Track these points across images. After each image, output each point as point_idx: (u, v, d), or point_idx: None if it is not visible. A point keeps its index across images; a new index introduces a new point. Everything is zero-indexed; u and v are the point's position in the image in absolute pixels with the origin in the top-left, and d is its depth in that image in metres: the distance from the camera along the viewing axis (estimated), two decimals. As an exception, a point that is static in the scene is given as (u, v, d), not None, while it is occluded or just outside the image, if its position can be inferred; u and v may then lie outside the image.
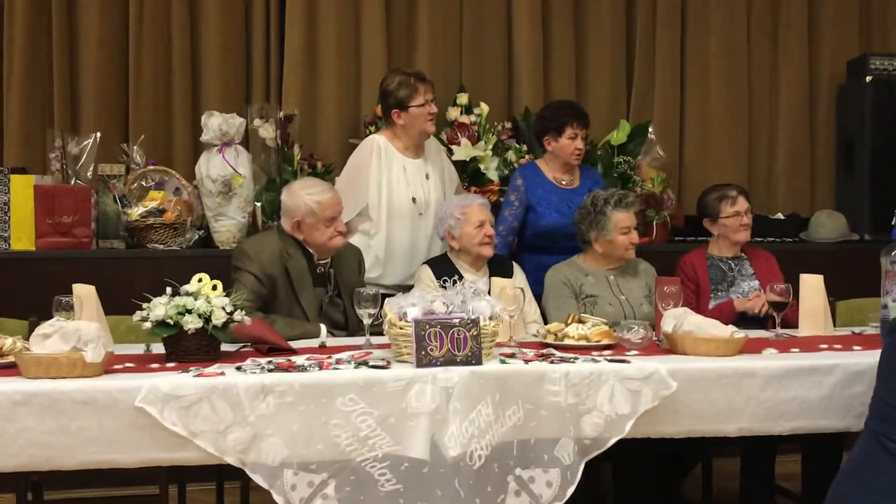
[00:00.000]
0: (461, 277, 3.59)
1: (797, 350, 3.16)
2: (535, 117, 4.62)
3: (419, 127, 4.20)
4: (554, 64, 5.35)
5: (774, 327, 3.50)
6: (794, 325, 3.64)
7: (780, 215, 5.48)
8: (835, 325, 3.75)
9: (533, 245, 4.36)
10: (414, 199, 4.20)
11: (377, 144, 4.22)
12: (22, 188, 4.32)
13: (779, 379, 2.91)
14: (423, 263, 4.03)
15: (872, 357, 2.83)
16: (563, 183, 4.38)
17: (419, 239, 4.23)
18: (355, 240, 4.13)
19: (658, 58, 5.48)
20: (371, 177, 4.18)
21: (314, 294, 3.64)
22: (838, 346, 3.22)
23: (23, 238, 4.33)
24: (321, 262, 3.69)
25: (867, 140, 5.32)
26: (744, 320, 3.86)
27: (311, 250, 3.66)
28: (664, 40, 5.47)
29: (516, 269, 4.09)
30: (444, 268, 3.89)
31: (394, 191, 4.19)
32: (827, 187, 5.69)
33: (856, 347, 3.20)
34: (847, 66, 5.58)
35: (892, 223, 3.41)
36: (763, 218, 5.32)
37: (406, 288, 3.91)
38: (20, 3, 4.73)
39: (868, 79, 5.31)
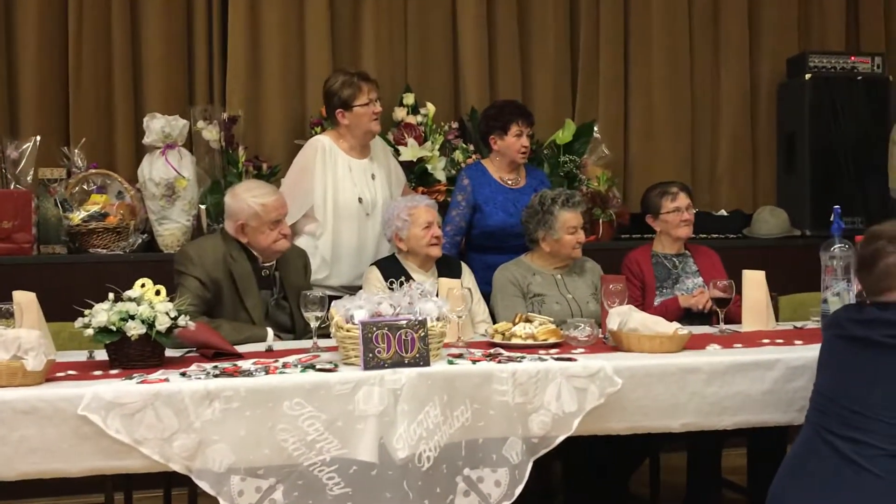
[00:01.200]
0: (409, 278, 3.60)
1: (740, 345, 3.21)
2: (480, 117, 4.63)
3: (364, 126, 4.19)
4: (499, 64, 5.36)
5: (718, 323, 3.55)
6: (738, 321, 3.69)
7: (723, 212, 5.57)
8: (777, 320, 3.81)
9: (480, 245, 4.37)
10: (360, 200, 4.19)
11: (322, 145, 4.20)
12: (-40, 194, 4.24)
13: (722, 374, 2.96)
14: (372, 264, 4.02)
15: (813, 351, 2.89)
16: (509, 182, 4.40)
17: (366, 240, 4.22)
18: (301, 241, 4.11)
19: (602, 58, 5.51)
20: (316, 178, 4.16)
21: (260, 297, 3.61)
22: (780, 341, 3.28)
23: (-39, 244, 4.25)
24: (266, 264, 3.67)
25: (807, 137, 5.41)
26: (688, 317, 3.90)
27: (255, 253, 3.63)
28: (607, 40, 5.51)
29: (465, 269, 4.10)
30: (392, 269, 3.89)
31: (339, 191, 4.17)
32: (769, 184, 5.78)
33: (797, 342, 3.26)
34: (787, 64, 5.67)
35: (831, 219, 3.48)
36: (707, 215, 5.39)
37: (353, 289, 3.89)
38: (-44, 4, 4.64)
39: (807, 76, 5.40)
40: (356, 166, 4.22)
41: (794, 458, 2.73)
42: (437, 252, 3.96)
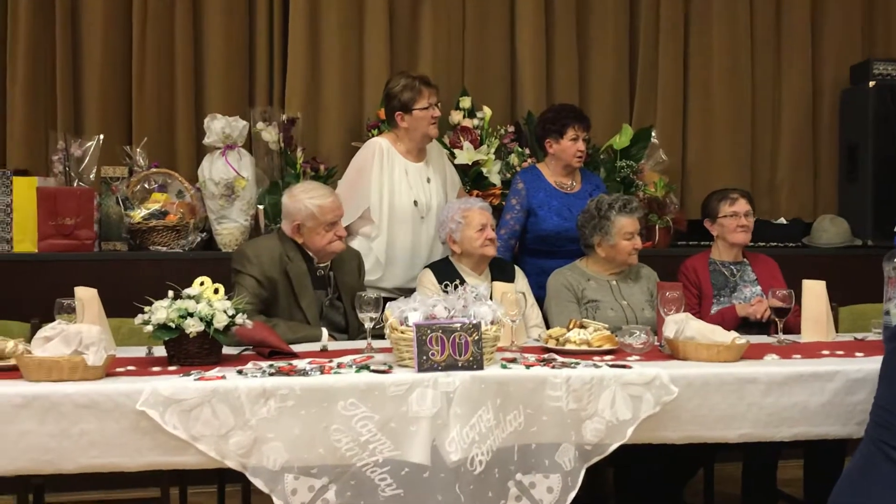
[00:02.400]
0: (463, 281, 3.60)
1: (799, 356, 3.16)
2: (536, 120, 4.62)
3: (422, 130, 4.20)
4: (557, 67, 5.34)
5: (777, 333, 3.50)
6: (797, 331, 3.63)
7: (782, 220, 5.49)
8: (837, 331, 3.75)
9: (534, 249, 4.36)
10: (416, 203, 4.20)
11: (379, 147, 4.22)
12: (25, 190, 4.33)
13: (780, 385, 2.91)
14: (425, 267, 4.03)
15: (874, 364, 2.83)
16: (565, 187, 4.38)
17: (420, 242, 4.23)
18: (356, 243, 4.14)
19: (661, 61, 5.47)
20: (373, 179, 4.18)
21: (314, 297, 3.64)
22: (840, 353, 3.23)
23: (25, 240, 4.34)
24: (321, 265, 3.70)
25: (870, 145, 5.31)
26: (746, 326, 3.86)
27: (310, 253, 3.66)
28: (667, 44, 5.46)
29: (518, 273, 4.09)
30: (446, 272, 3.89)
31: (395, 193, 4.19)
32: (830, 192, 5.68)
33: (858, 354, 3.20)
34: (850, 71, 5.57)
35: (895, 229, 3.41)
36: (766, 223, 5.32)
37: (406, 291, 3.92)
38: (23, 6, 4.73)
39: (871, 84, 5.30)
40: (412, 169, 4.24)
41: (853, 473, 2.68)
42: (491, 251, 3.96)
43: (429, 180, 4.28)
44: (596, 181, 4.55)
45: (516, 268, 4.13)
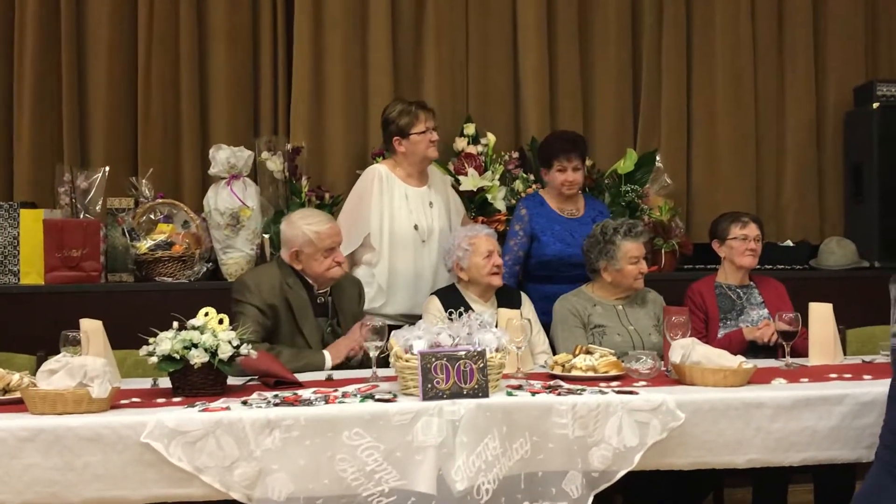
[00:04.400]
0: (469, 308, 3.60)
1: (807, 380, 3.15)
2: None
3: (421, 153, 4.22)
4: (560, 93, 5.35)
5: (784, 356, 3.48)
6: (804, 354, 3.62)
7: (789, 242, 5.46)
8: (845, 354, 3.73)
9: (536, 275, 4.35)
10: (416, 227, 4.20)
11: (378, 173, 4.23)
12: (31, 222, 4.34)
13: (788, 409, 2.90)
14: (432, 294, 4.03)
15: (883, 386, 2.82)
16: (567, 213, 4.38)
17: (423, 267, 4.23)
18: (360, 272, 4.14)
19: (664, 86, 5.47)
20: (373, 205, 4.19)
21: (316, 324, 3.64)
22: (848, 376, 3.21)
23: (32, 272, 4.34)
24: (321, 291, 3.70)
25: (875, 166, 5.28)
26: (753, 349, 3.84)
27: (310, 281, 3.66)
28: (670, 68, 5.47)
29: (525, 299, 4.08)
30: (452, 298, 3.89)
31: (395, 219, 4.19)
32: (836, 214, 5.66)
33: (866, 377, 3.19)
34: (854, 93, 5.57)
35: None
36: (772, 245, 5.30)
37: (410, 318, 3.91)
38: (29, 37, 4.76)
39: (875, 105, 5.29)
40: (413, 194, 4.25)
41: (864, 497, 2.66)
42: (497, 281, 3.95)
43: (431, 204, 4.28)
44: (599, 207, 4.55)
45: (522, 294, 4.13)
